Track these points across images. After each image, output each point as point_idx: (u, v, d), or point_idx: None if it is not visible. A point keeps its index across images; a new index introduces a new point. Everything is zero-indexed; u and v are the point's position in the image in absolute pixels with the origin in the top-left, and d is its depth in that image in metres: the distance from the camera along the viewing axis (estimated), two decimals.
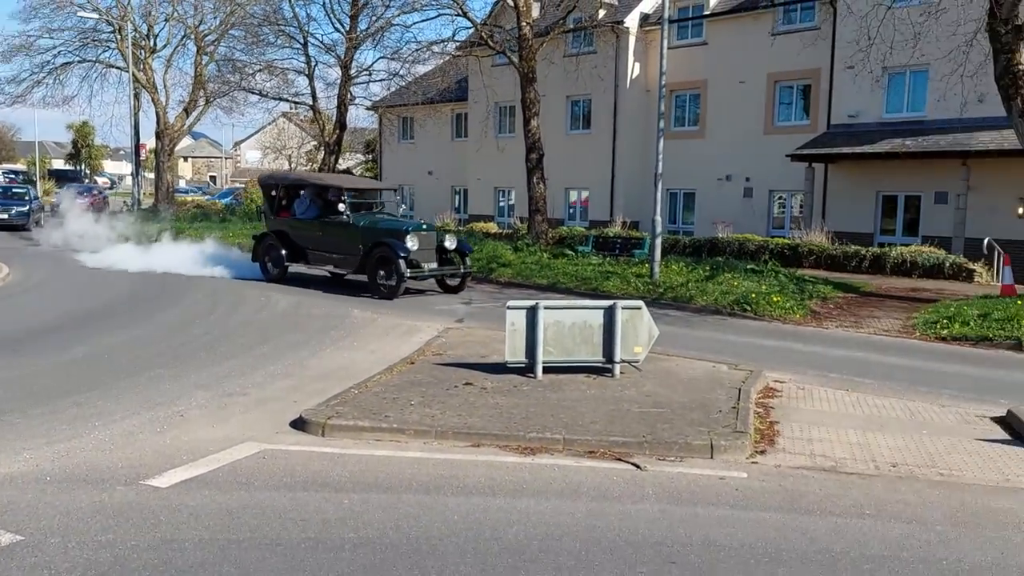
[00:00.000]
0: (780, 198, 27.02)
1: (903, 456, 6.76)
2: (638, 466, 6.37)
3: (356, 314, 13.11)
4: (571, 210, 31.01)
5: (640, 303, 9.15)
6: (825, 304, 15.37)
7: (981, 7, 15.73)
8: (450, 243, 15.98)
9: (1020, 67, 14.88)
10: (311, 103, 32.29)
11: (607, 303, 8.96)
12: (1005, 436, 7.41)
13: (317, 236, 16.46)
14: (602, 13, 27.84)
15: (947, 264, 19.16)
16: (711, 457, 6.62)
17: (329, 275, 17.32)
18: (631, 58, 28.43)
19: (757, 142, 26.30)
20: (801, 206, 25.20)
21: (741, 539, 5.07)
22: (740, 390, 8.42)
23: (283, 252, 16.79)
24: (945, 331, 12.53)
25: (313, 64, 31.44)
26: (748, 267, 18.39)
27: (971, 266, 19.00)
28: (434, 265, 15.62)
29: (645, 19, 28.24)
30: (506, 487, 5.88)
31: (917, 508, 5.66)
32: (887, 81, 23.17)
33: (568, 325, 8.80)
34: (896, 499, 5.84)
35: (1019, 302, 13.47)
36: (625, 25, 27.86)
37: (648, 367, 9.23)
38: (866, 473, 6.38)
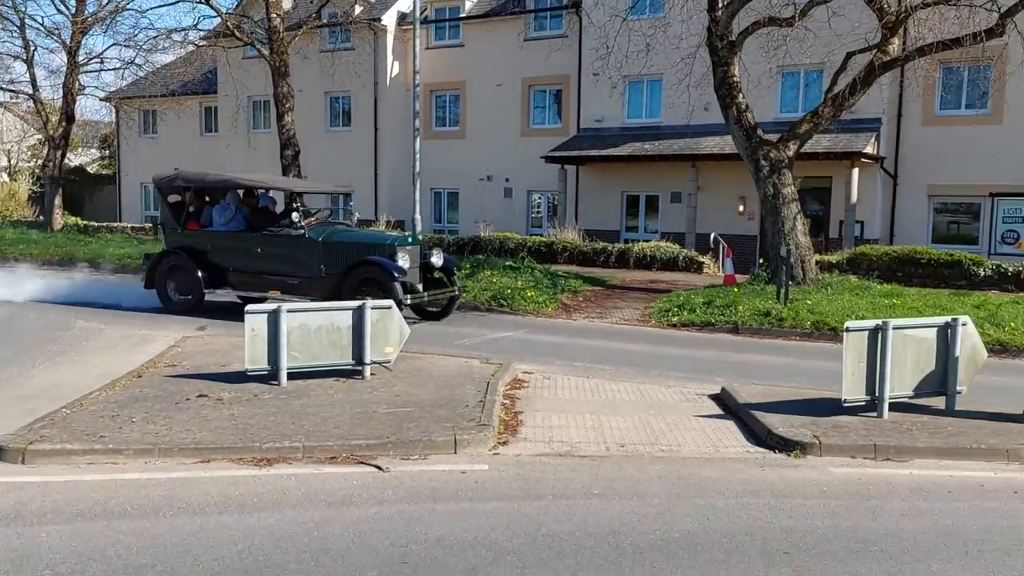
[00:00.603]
0: (538, 198, 28.21)
1: (631, 436, 7.21)
2: (380, 468, 6.25)
3: (80, 325, 11.82)
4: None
5: (390, 302, 9.04)
6: (575, 297, 16.20)
7: (702, 24, 17.36)
8: (437, 259, 13.21)
9: (735, 79, 16.60)
10: (31, 92, 28.81)
11: (356, 303, 8.75)
12: (719, 411, 8.15)
13: (253, 253, 13.19)
14: (358, 9, 27.44)
15: (681, 257, 20.98)
16: (455, 452, 6.65)
17: (240, 301, 13.40)
18: (390, 56, 28.33)
19: (515, 143, 27.29)
20: (555, 205, 26.48)
21: (476, 531, 5.11)
22: (488, 384, 8.57)
23: (200, 275, 13.23)
24: (676, 318, 13.69)
25: (32, 48, 28.08)
26: (507, 264, 18.93)
27: (701, 259, 20.94)
28: (420, 287, 12.99)
29: (403, 18, 28.25)
30: (236, 502, 5.51)
31: (639, 484, 6.03)
32: (628, 88, 24.96)
33: (314, 328, 8.49)
34: (622, 477, 6.19)
35: (736, 290, 15.05)
36: (383, 23, 27.71)
37: (400, 367, 9.15)
38: (597, 455, 6.72)
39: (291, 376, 8.32)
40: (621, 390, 8.98)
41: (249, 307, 8.31)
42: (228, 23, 22.45)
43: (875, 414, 7.49)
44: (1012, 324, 12.20)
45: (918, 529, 5.21)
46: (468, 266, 18.17)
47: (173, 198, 14.35)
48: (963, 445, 6.75)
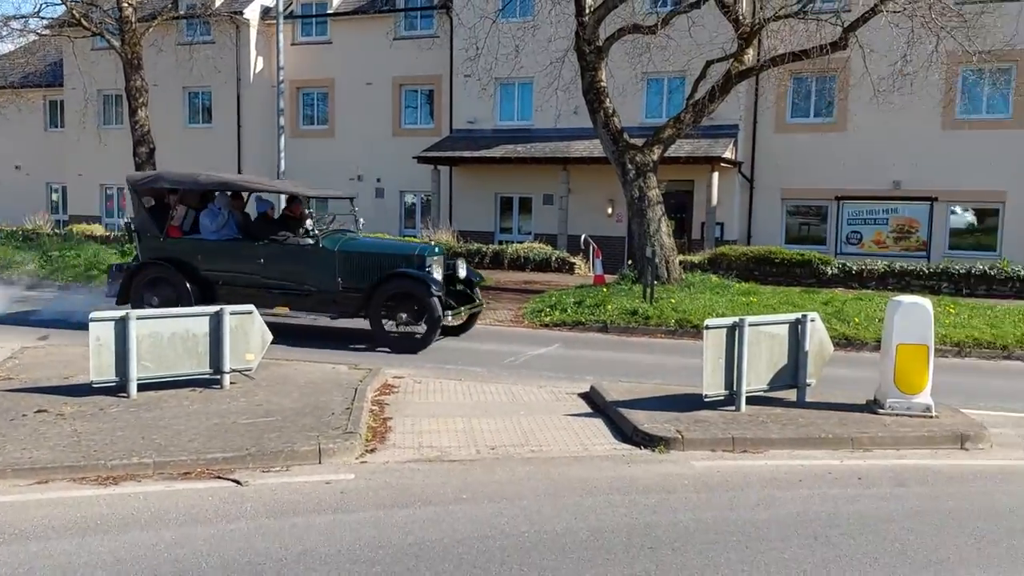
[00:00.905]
0: (411, 198, 27.95)
1: (502, 438, 7.19)
2: (239, 482, 5.95)
3: None
4: None
5: (251, 307, 8.66)
6: None
7: (569, 28, 17.66)
8: (463, 271, 12.09)
9: (602, 84, 16.98)
10: None
11: (213, 309, 8.32)
12: (588, 410, 8.26)
13: (255, 264, 11.67)
14: (219, 1, 26.35)
15: (553, 258, 21.31)
16: (319, 462, 6.42)
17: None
18: (254, 51, 27.36)
19: (386, 143, 26.95)
20: (429, 206, 26.33)
21: (340, 543, 4.93)
22: (356, 390, 8.34)
23: (188, 287, 11.64)
24: (548, 318, 13.85)
25: None
26: None
27: (572, 260, 21.33)
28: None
29: (267, 12, 27.33)
30: (77, 526, 5.09)
31: (509, 486, 6.01)
32: (499, 91, 25.13)
33: (167, 336, 8.01)
34: (492, 480, 6.15)
35: (605, 290, 15.40)
36: (245, 16, 26.70)
37: (263, 374, 8.77)
38: (467, 459, 6.65)
39: (142, 387, 7.82)
40: (493, 392, 8.96)
41: (94, 314, 7.75)
42: (74, 11, 20.97)
43: (734, 408, 7.78)
44: (856, 319, 13.05)
45: (772, 518, 5.43)
46: None
47: (149, 201, 12.54)
48: (812, 435, 7.12)
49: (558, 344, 12.30)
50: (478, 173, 25.57)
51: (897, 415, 7.65)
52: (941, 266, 18.03)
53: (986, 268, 17.48)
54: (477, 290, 12.63)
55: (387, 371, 9.56)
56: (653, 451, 6.90)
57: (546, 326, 13.65)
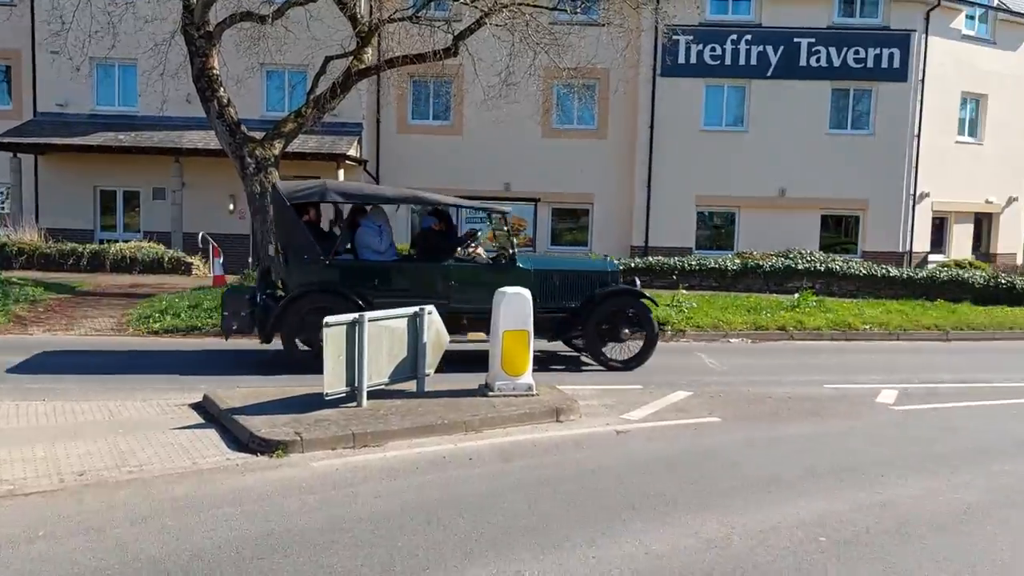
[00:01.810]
0: None
1: (94, 461, 6.29)
2: None
3: None
4: None
5: None
6: (35, 308, 13.95)
7: (175, 9, 16.30)
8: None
9: (214, 72, 15.94)
10: None
11: None
12: (200, 421, 7.61)
13: (447, 288, 10.53)
14: None
15: (166, 258, 19.61)
16: None
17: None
18: None
19: None
20: (8, 200, 22.58)
21: None
22: None
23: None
24: (157, 325, 12.63)
25: None
26: None
27: (189, 260, 19.82)
28: None
29: None
30: None
31: (99, 515, 5.25)
32: (97, 72, 22.47)
33: None
34: (79, 511, 5.33)
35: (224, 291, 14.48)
36: None
37: None
38: (48, 490, 5.70)
39: None
40: (86, 410, 7.85)
41: None
42: None
43: (355, 404, 7.73)
44: None
45: (389, 508, 5.45)
46: None
47: (306, 215, 10.78)
48: (429, 423, 7.34)
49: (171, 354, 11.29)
50: (72, 163, 22.55)
51: (505, 396, 8.23)
52: None
53: None
54: None
55: None
56: (271, 457, 6.56)
57: (155, 333, 12.43)
